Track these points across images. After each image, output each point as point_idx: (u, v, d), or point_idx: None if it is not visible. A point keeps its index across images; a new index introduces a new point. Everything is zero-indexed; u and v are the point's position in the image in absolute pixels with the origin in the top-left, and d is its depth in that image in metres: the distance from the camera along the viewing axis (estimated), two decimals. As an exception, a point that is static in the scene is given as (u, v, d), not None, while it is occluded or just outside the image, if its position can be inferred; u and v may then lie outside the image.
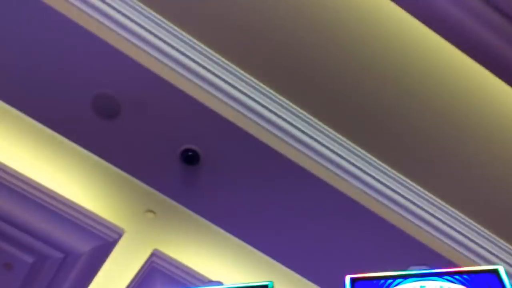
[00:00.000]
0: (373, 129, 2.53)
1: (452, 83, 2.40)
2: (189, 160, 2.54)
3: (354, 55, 2.37)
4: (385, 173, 2.53)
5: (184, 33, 2.38)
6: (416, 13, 2.23)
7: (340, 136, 2.49)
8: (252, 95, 2.43)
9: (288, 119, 2.43)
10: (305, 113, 2.45)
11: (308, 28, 2.33)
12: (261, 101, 2.44)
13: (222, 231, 2.74)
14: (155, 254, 2.85)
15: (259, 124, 2.42)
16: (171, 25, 2.38)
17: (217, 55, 2.38)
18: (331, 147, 2.46)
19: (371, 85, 2.42)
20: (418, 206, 2.58)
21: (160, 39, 2.35)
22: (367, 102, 2.44)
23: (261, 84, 2.43)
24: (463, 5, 2.14)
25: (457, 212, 2.64)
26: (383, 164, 2.53)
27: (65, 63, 2.34)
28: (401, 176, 2.56)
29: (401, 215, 2.57)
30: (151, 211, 2.74)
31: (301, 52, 2.39)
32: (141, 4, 2.34)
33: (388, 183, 2.52)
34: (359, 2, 2.28)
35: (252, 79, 2.41)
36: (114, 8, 2.31)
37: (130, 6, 2.33)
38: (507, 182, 2.60)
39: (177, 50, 2.35)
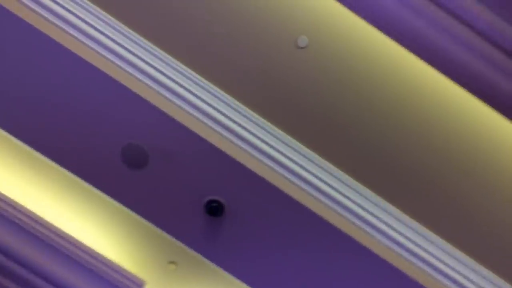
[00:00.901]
0: (383, 175, 2.49)
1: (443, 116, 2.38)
2: (213, 211, 2.51)
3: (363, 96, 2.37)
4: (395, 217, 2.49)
5: (211, 85, 2.41)
6: (414, 49, 2.20)
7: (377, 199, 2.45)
8: (278, 146, 2.43)
9: (315, 171, 2.41)
10: (333, 167, 2.43)
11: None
12: (287, 153, 2.43)
13: (244, 285, 2.68)
14: (175, 307, 2.79)
15: (286, 177, 2.40)
16: (199, 76, 2.42)
17: (244, 107, 2.40)
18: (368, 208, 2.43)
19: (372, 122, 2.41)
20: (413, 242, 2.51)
21: (187, 90, 2.38)
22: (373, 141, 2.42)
23: (288, 136, 2.43)
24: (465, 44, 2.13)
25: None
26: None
27: (97, 113, 2.38)
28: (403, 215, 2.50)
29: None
30: (173, 262, 2.70)
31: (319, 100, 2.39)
32: (168, 55, 2.39)
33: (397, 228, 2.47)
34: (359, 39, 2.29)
35: (277, 130, 2.42)
36: (144, 60, 2.36)
37: (158, 58, 2.39)
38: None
39: (204, 101, 2.38)
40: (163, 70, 2.37)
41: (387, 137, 2.39)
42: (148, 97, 2.33)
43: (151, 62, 2.37)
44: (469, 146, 2.39)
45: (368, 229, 2.42)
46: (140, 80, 2.35)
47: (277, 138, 2.42)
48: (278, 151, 2.42)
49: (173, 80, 2.38)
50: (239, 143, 2.40)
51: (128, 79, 2.32)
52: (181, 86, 2.38)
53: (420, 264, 2.48)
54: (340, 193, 2.42)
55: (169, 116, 2.35)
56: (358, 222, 2.40)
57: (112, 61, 2.31)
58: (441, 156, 2.43)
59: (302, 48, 2.22)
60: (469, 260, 2.57)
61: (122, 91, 2.31)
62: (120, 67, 2.33)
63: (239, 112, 2.42)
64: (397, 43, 2.18)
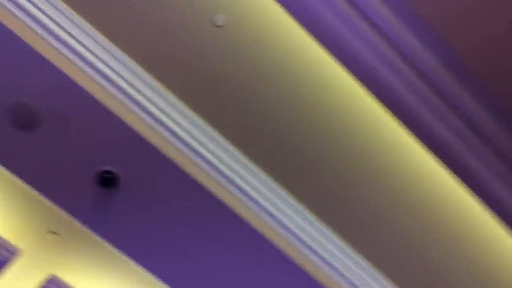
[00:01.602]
0: (306, 181, 2.58)
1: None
2: (106, 182, 2.41)
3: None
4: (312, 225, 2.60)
5: (118, 50, 2.30)
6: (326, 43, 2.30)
7: (273, 183, 2.51)
8: (182, 122, 2.40)
9: (220, 154, 2.41)
10: (240, 152, 2.44)
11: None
12: (191, 130, 2.41)
13: (128, 260, 2.61)
14: (49, 279, 2.63)
15: (189, 158, 2.38)
16: (103, 38, 2.29)
17: (150, 77, 2.32)
18: (267, 194, 2.48)
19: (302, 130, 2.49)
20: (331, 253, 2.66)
21: (90, 50, 2.25)
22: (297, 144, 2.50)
23: (193, 112, 2.40)
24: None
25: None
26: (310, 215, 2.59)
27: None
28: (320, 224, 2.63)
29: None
30: (54, 232, 2.54)
31: (235, 85, 2.41)
32: (76, 16, 2.24)
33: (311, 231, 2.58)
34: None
35: (183, 105, 2.38)
36: (44, 13, 2.19)
37: (62, 14, 2.22)
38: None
39: (109, 66, 2.27)
40: (66, 27, 2.21)
41: (299, 125, 2.45)
42: (47, 54, 2.16)
43: (53, 16, 2.20)
44: (364, 146, 2.55)
45: (259, 211, 2.49)
46: (38, 34, 2.17)
47: (182, 114, 2.38)
48: (182, 126, 2.38)
49: (75, 39, 2.23)
50: (141, 114, 2.33)
51: (23, 30, 2.13)
52: (83, 45, 2.24)
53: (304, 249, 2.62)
54: (241, 177, 2.45)
55: (68, 77, 2.20)
56: (251, 204, 2.46)
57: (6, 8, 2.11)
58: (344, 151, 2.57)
59: (219, 26, 2.20)
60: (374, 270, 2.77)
61: (16, 45, 2.11)
62: (15, 16, 2.13)
63: (144, 82, 2.34)
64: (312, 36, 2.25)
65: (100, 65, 2.29)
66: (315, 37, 2.25)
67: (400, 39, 2.10)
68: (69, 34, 2.24)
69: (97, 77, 2.28)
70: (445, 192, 2.62)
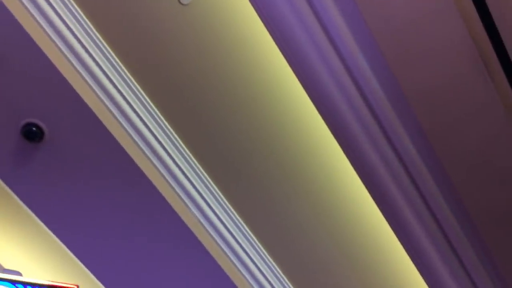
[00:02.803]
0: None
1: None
2: (30, 136, 2.28)
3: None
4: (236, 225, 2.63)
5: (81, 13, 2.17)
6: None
7: (204, 171, 2.50)
8: (123, 91, 2.32)
9: (156, 132, 2.36)
10: (178, 137, 2.41)
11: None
12: (131, 101, 2.33)
13: (38, 221, 2.49)
14: None
15: (121, 124, 2.30)
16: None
17: (106, 45, 2.22)
18: (191, 177, 2.46)
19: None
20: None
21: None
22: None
23: (137, 86, 2.33)
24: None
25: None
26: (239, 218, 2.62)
27: None
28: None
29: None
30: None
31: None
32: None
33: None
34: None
35: (133, 80, 2.30)
36: None
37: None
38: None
39: (62, 19, 2.14)
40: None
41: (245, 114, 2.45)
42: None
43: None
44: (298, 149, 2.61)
45: (185, 197, 2.48)
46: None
47: (127, 83, 2.30)
48: (122, 94, 2.30)
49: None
50: (82, 72, 2.22)
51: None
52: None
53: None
54: (172, 158, 2.42)
55: (10, 17, 2.05)
56: (181, 194, 2.44)
57: None
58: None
59: (184, 5, 2.15)
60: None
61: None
62: None
63: (94, 41, 2.22)
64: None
65: (52, 14, 2.15)
66: (274, 39, 2.27)
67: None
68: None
69: (44, 23, 2.14)
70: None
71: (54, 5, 2.09)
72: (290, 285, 2.88)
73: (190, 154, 2.52)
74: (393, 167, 2.47)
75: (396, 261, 2.96)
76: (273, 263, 2.86)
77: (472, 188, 2.25)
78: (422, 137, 2.25)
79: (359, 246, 2.86)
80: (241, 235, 2.71)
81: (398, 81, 2.14)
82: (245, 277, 2.76)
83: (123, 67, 2.31)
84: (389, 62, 2.10)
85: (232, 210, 2.64)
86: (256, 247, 2.77)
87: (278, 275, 2.86)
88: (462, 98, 2.00)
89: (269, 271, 2.84)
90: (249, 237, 2.71)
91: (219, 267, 2.68)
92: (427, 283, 2.92)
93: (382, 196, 2.53)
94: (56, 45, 2.18)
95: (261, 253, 2.79)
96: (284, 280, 2.86)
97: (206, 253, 2.64)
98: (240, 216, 2.69)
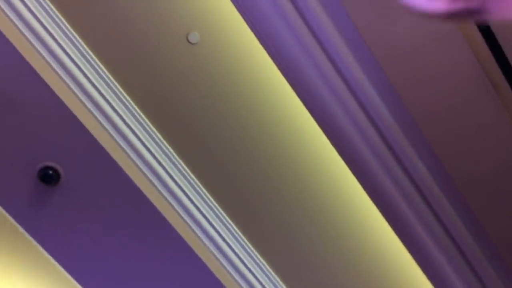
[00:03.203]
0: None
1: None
2: (46, 179, 2.31)
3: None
4: (243, 248, 2.61)
5: (85, 46, 2.23)
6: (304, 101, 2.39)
7: (216, 205, 2.51)
8: (136, 130, 2.35)
9: (171, 171, 2.39)
10: (188, 170, 2.43)
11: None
12: (144, 140, 2.37)
13: (56, 264, 2.50)
14: (-34, 271, 2.46)
15: (136, 164, 2.33)
16: (71, 30, 2.22)
17: (113, 80, 2.27)
18: (206, 214, 2.47)
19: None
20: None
21: (52, 36, 2.17)
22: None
23: (152, 126, 2.37)
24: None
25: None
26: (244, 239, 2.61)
27: None
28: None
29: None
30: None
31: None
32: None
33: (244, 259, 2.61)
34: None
35: (145, 118, 2.34)
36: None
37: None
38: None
39: (70, 57, 2.19)
40: (37, 13, 2.12)
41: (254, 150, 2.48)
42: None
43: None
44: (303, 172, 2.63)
45: (196, 227, 2.48)
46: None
47: (140, 123, 2.34)
48: (136, 135, 2.34)
49: (39, 22, 2.14)
50: (96, 113, 2.27)
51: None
52: (45, 28, 2.15)
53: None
54: (190, 200, 2.44)
55: (23, 58, 2.11)
56: (197, 231, 2.45)
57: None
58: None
59: (193, 44, 2.20)
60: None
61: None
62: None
63: (106, 82, 2.28)
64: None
65: (63, 56, 2.21)
66: (279, 68, 2.31)
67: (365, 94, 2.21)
68: (33, 15, 2.15)
69: (57, 67, 2.20)
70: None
71: (63, 44, 2.15)
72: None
73: (208, 195, 2.53)
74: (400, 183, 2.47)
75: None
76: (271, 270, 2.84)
77: (490, 212, 2.24)
78: (433, 158, 2.25)
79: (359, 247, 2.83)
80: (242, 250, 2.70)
81: (407, 106, 2.16)
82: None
83: (134, 106, 2.35)
84: (396, 88, 2.13)
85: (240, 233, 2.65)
86: (251, 252, 2.76)
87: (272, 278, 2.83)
88: (472, 119, 2.02)
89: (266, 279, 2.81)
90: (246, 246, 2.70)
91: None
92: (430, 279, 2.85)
93: (389, 208, 2.53)
94: (68, 86, 2.23)
95: (261, 264, 2.77)
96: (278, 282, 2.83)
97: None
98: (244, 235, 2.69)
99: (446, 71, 1.89)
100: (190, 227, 2.51)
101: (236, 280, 2.63)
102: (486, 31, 1.69)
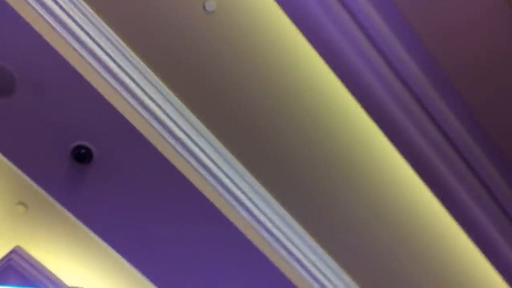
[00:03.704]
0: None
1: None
2: (80, 158, 2.38)
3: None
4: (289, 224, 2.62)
5: (109, 29, 2.25)
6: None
7: (250, 175, 2.51)
8: (164, 106, 2.37)
9: (201, 144, 2.40)
10: (220, 143, 2.43)
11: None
12: (176, 119, 2.38)
13: (96, 237, 2.59)
14: (15, 251, 2.59)
15: (166, 139, 2.35)
16: (93, 13, 2.24)
17: (137, 59, 2.28)
18: (239, 183, 2.48)
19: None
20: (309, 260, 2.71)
21: (77, 23, 2.20)
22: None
23: (177, 99, 2.37)
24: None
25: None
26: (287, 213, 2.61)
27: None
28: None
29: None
30: (23, 204, 2.50)
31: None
32: None
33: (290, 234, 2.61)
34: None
35: (168, 90, 2.35)
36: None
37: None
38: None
39: (95, 41, 2.22)
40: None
41: (282, 116, 2.44)
42: (31, 20, 2.10)
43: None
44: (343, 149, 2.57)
45: (234, 202, 2.49)
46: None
47: (165, 98, 2.35)
48: (164, 111, 2.35)
49: (62, 9, 2.18)
50: (123, 92, 2.29)
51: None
52: (70, 16, 2.18)
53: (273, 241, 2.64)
54: (221, 169, 2.44)
55: (51, 46, 2.15)
56: (232, 201, 2.46)
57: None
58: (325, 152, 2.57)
59: (210, 12, 2.18)
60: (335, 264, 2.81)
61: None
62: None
63: (130, 61, 2.30)
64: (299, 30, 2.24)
65: (86, 39, 2.24)
66: (304, 36, 2.24)
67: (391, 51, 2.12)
68: (57, 3, 2.18)
69: (82, 50, 2.24)
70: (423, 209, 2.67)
71: (85, 26, 2.17)
72: (350, 280, 2.82)
73: (241, 165, 2.54)
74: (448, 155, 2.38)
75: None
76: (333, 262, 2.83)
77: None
78: (467, 113, 2.15)
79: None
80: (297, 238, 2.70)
81: (436, 58, 2.06)
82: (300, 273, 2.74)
83: (157, 80, 2.36)
84: (424, 40, 2.04)
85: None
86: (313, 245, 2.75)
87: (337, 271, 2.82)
88: (503, 69, 1.90)
89: (329, 270, 2.80)
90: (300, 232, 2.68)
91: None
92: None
93: (435, 180, 2.45)
94: (94, 69, 2.27)
95: (318, 251, 2.76)
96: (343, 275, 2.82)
97: (263, 256, 2.64)
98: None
99: (475, 17, 1.79)
100: (225, 198, 2.52)
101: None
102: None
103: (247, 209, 2.54)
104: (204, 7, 2.17)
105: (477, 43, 1.88)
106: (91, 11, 2.21)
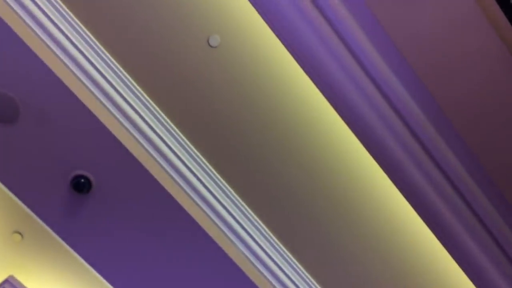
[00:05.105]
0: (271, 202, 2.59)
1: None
2: (79, 187, 2.37)
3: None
4: (271, 245, 2.59)
5: (110, 56, 2.29)
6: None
7: (239, 200, 2.51)
8: (169, 142, 2.39)
9: (196, 172, 2.41)
10: (214, 171, 2.44)
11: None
12: (176, 150, 2.40)
13: (92, 270, 2.55)
14: (8, 281, 2.55)
15: (166, 171, 2.36)
16: (96, 42, 2.28)
17: (139, 89, 2.32)
18: (229, 208, 2.47)
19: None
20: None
21: (79, 50, 2.23)
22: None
23: (177, 130, 2.40)
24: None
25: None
26: (270, 233, 2.59)
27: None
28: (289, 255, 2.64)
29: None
30: (19, 233, 2.47)
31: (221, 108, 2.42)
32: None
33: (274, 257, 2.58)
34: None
35: (169, 122, 2.37)
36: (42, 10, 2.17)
37: (59, 13, 2.21)
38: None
39: (97, 68, 2.25)
40: (60, 25, 2.20)
41: (278, 149, 2.46)
42: (33, 46, 2.13)
43: (49, 14, 2.18)
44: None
45: (227, 228, 2.48)
46: (30, 28, 2.15)
47: (167, 130, 2.37)
48: (166, 143, 2.37)
49: (68, 39, 2.22)
50: (125, 123, 2.31)
51: (13, 20, 2.10)
52: (75, 46, 2.22)
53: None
54: (221, 203, 2.45)
55: (55, 75, 2.18)
56: (225, 230, 2.45)
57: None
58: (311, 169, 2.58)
59: (214, 47, 2.23)
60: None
61: (4, 34, 2.08)
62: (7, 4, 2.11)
63: (131, 91, 2.32)
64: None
65: (90, 68, 2.27)
66: (306, 73, 2.28)
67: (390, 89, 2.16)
68: (62, 32, 2.22)
69: (86, 80, 2.26)
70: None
71: (89, 57, 2.21)
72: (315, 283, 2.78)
73: (238, 199, 2.54)
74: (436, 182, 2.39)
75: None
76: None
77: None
78: (466, 151, 2.17)
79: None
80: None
81: (433, 96, 2.10)
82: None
83: (158, 110, 2.38)
84: (421, 77, 2.08)
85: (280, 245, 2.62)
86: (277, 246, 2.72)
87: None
88: (501, 103, 1.94)
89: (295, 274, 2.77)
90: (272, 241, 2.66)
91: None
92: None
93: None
94: (96, 97, 2.29)
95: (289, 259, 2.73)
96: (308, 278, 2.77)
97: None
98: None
99: (471, 54, 1.83)
100: (221, 229, 2.51)
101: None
102: (509, 9, 1.62)
103: (244, 242, 2.53)
104: (208, 42, 2.22)
105: (475, 82, 1.92)
106: (96, 42, 2.25)
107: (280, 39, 2.17)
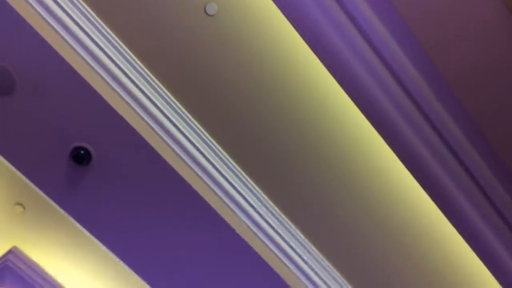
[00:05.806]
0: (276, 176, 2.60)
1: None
2: (79, 159, 2.37)
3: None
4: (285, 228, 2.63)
5: (108, 29, 2.25)
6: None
7: (244, 174, 2.51)
8: (163, 107, 2.37)
9: (200, 147, 2.40)
10: (219, 147, 2.43)
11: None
12: (175, 121, 2.39)
13: (93, 239, 2.58)
14: (12, 252, 2.58)
15: (165, 141, 2.35)
16: (95, 15, 2.24)
17: (137, 61, 2.28)
18: (233, 181, 2.48)
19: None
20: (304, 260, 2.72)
21: (78, 24, 2.20)
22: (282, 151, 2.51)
23: (176, 100, 2.38)
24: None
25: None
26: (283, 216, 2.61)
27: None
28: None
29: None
30: (21, 204, 2.49)
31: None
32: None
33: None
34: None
35: (172, 98, 2.35)
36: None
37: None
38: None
39: (93, 40, 2.22)
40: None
41: (278, 116, 2.45)
42: (31, 21, 2.10)
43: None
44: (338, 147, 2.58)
45: (229, 201, 2.49)
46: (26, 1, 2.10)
47: (165, 100, 2.35)
48: (164, 114, 2.36)
49: (64, 11, 2.17)
50: (121, 93, 2.29)
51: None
52: (72, 19, 2.18)
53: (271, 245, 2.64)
54: (221, 173, 2.45)
55: (52, 47, 2.14)
56: (227, 201, 2.46)
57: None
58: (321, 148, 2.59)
59: (211, 15, 2.18)
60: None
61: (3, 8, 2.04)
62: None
63: (129, 62, 2.30)
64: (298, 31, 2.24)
65: (87, 41, 2.23)
66: (304, 39, 2.25)
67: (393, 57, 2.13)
68: (59, 5, 2.18)
69: (83, 52, 2.23)
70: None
71: (86, 28, 2.17)
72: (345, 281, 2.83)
73: (237, 166, 2.54)
74: (443, 158, 2.39)
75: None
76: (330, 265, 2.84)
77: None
78: (468, 120, 2.16)
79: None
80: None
81: (436, 64, 2.07)
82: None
83: (156, 80, 2.36)
84: (425, 48, 2.05)
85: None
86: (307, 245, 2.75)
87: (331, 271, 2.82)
88: (505, 75, 1.92)
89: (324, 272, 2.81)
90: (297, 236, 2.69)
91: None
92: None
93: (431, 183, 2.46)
94: (95, 70, 2.26)
95: (312, 250, 2.77)
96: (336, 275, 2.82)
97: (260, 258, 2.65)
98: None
99: (476, 24, 1.80)
100: (221, 199, 2.52)
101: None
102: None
103: (244, 211, 2.55)
104: (205, 10, 2.18)
105: (477, 48, 1.89)
106: (92, 13, 2.21)
107: (277, 5, 2.13)
